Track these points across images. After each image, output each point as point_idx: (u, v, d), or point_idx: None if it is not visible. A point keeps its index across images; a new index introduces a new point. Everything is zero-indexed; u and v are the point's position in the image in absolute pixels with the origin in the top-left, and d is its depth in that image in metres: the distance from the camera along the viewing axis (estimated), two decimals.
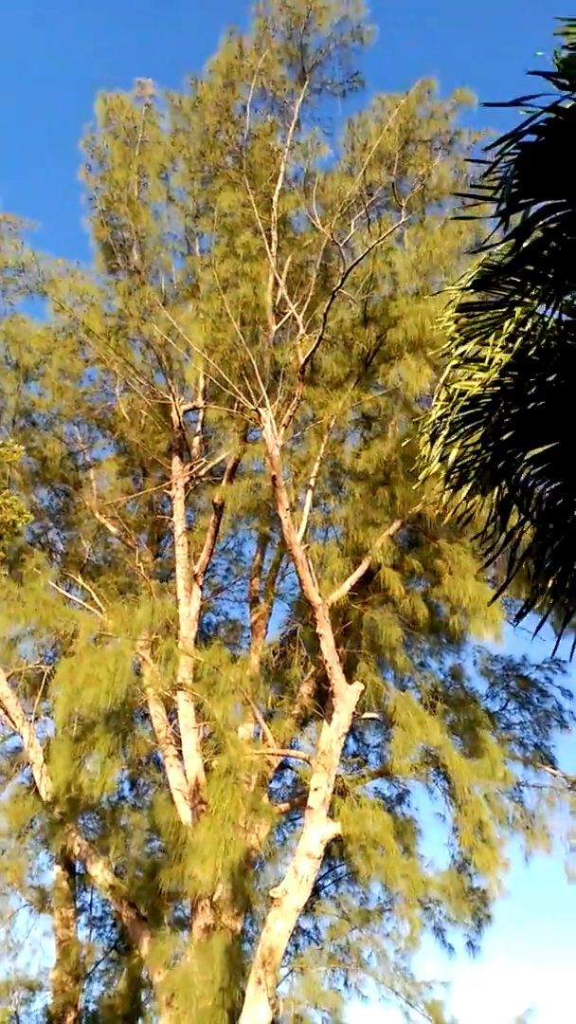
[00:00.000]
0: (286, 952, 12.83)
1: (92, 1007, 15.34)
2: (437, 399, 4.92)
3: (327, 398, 14.64)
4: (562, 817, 15.15)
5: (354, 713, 13.11)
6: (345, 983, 14.03)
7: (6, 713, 16.00)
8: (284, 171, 15.86)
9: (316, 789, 12.94)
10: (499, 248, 4.89)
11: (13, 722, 15.83)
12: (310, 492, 13.81)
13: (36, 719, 15.97)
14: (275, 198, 15.41)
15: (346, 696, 12.89)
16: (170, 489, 16.68)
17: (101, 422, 19.04)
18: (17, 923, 16.15)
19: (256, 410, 13.41)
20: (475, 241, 14.81)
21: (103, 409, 18.64)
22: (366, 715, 13.42)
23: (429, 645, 15.12)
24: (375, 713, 13.64)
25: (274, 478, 12.70)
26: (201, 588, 15.97)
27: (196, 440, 17.70)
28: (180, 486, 16.32)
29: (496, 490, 4.62)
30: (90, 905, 16.74)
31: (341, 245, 14.29)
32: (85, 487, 18.52)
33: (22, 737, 15.69)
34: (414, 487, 12.21)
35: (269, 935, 12.49)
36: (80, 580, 16.99)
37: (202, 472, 17.18)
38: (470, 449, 4.53)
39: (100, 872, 14.51)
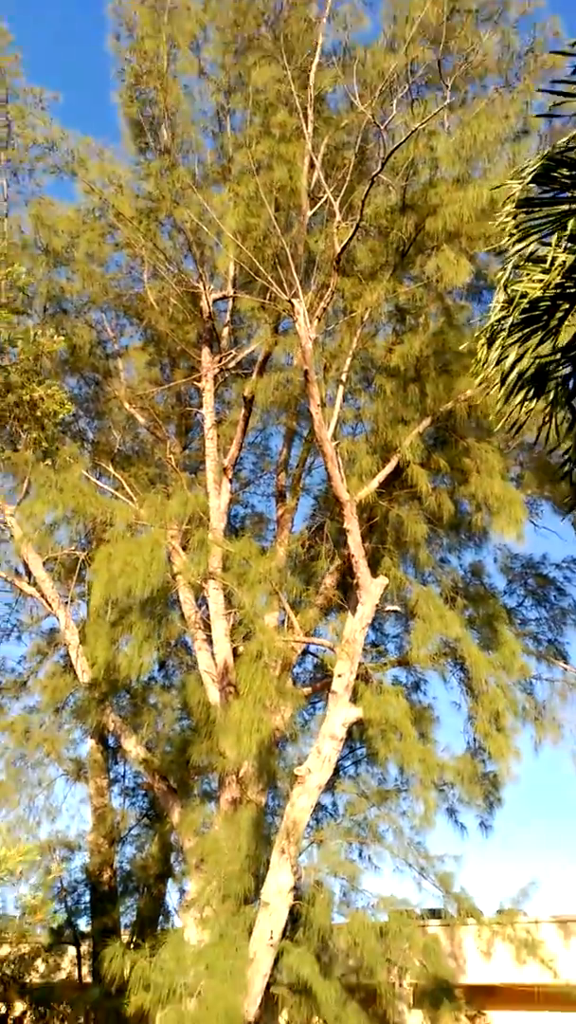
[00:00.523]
0: (308, 826, 13.60)
1: (126, 867, 16.50)
2: (496, 301, 4.83)
3: (361, 289, 14.31)
4: (572, 710, 15.72)
5: (377, 605, 13.47)
6: (361, 855, 14.96)
7: (43, 596, 16.57)
8: (321, 44, 14.98)
9: (340, 675, 13.46)
10: (562, 141, 4.70)
11: (49, 604, 16.42)
12: (341, 387, 13.71)
13: (71, 602, 16.54)
14: (312, 74, 14.64)
15: (371, 589, 13.21)
16: (199, 381, 16.61)
17: (129, 309, 18.78)
18: (55, 791, 17.24)
19: (289, 301, 13.18)
20: (521, 128, 14.12)
21: (131, 296, 18.35)
22: (389, 607, 13.77)
23: (452, 542, 15.33)
24: (397, 606, 14.00)
25: (306, 372, 12.61)
26: (231, 482, 16.13)
27: (226, 331, 17.48)
28: (209, 378, 16.23)
29: (552, 395, 4.61)
30: (123, 776, 17.77)
31: (381, 127, 13.65)
32: (114, 377, 18.48)
33: (58, 619, 16.30)
34: (467, 390, 12.11)
35: (293, 809, 13.27)
36: (111, 469, 17.19)
37: (232, 364, 17.06)
38: (528, 353, 4.48)
39: (133, 747, 15.31)
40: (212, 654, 15.96)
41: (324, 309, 13.74)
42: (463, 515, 14.31)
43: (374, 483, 13.21)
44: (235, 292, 16.95)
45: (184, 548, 15.02)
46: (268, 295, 14.35)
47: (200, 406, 16.85)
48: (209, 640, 16.16)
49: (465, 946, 15.75)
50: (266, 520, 18.92)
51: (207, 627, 16.23)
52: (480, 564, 15.55)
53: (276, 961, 12.80)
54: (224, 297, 17.30)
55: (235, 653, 15.99)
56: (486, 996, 15.64)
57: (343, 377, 14.08)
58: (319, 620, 14.48)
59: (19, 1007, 17.00)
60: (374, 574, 13.35)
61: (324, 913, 13.53)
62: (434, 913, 17.29)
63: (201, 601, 16.43)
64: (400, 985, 13.81)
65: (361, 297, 14.21)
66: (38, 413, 9.82)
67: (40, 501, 13.34)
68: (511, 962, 14.51)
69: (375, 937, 12.47)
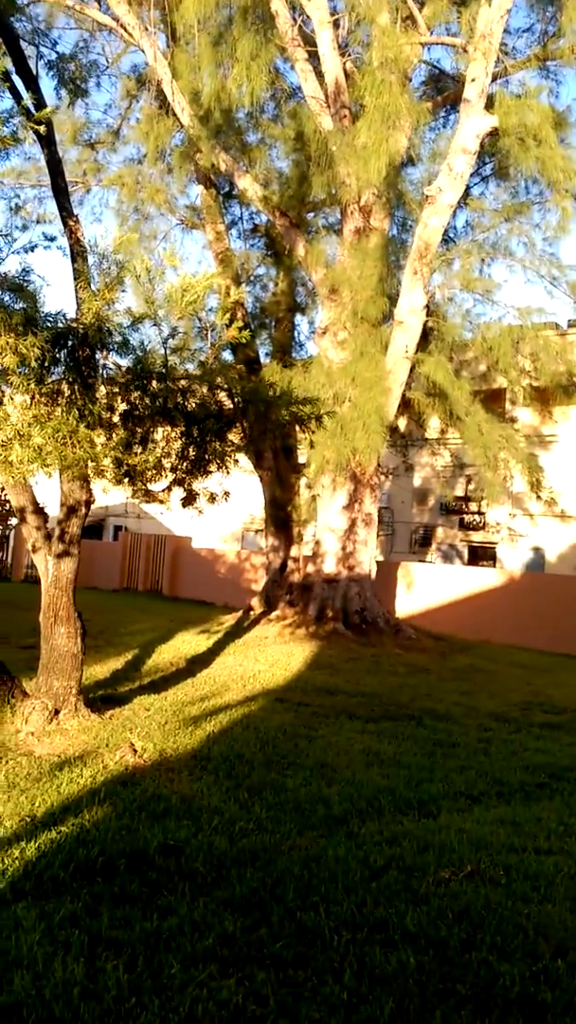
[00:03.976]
0: (439, 246, 13.56)
1: (256, 307, 17.30)
2: None
3: None
4: None
5: None
6: (492, 275, 15.09)
7: (119, 24, 14.60)
8: None
9: (473, 80, 12.06)
10: None
11: (130, 34, 14.54)
12: None
13: (154, 27, 14.58)
14: None
15: None
16: None
17: None
18: (173, 241, 17.39)
19: None
20: None
21: None
22: None
23: None
24: None
25: None
26: None
27: None
28: None
29: None
30: (240, 219, 17.57)
31: None
32: None
33: (144, 51, 14.54)
34: None
35: (424, 230, 13.13)
36: None
37: None
38: None
39: (249, 185, 14.83)
40: (319, 76, 14.36)
41: None
42: None
43: None
44: None
45: None
46: None
47: None
48: (311, 59, 14.38)
49: None
50: None
51: (308, 43, 14.31)
52: None
53: (411, 371, 14.02)
54: None
55: (346, 73, 14.34)
56: None
57: None
58: (446, 14, 12.44)
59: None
60: None
61: (457, 327, 14.28)
62: (571, 324, 18.02)
63: (297, 13, 14.21)
64: (523, 385, 15.04)
65: None
66: None
67: None
68: None
69: (509, 342, 13.21)
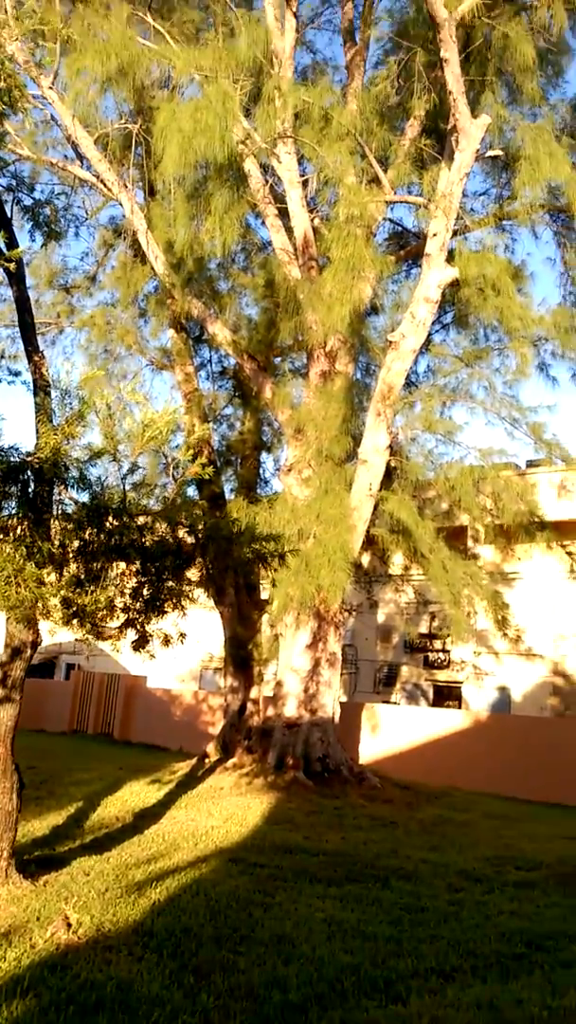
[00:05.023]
0: (401, 389, 13.91)
1: (222, 445, 17.50)
2: None
3: None
4: None
5: (477, 151, 12.21)
6: (452, 417, 15.51)
7: (100, 180, 15.38)
8: None
9: (434, 235, 12.73)
10: None
11: (109, 189, 15.29)
12: None
13: (131, 184, 15.37)
14: None
15: (470, 131, 11.86)
16: None
17: None
18: (143, 381, 17.73)
19: None
20: None
21: None
22: (490, 152, 12.48)
23: (556, 71, 13.36)
24: (498, 150, 12.69)
25: None
26: (296, 16, 13.83)
27: None
28: None
29: None
30: (209, 361, 18.02)
31: None
32: None
33: (121, 204, 15.27)
34: None
35: (388, 374, 13.50)
36: (149, 19, 14.77)
37: None
38: None
39: (219, 330, 15.29)
40: (288, 230, 15.13)
41: None
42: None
43: None
44: None
45: (247, 114, 13.39)
46: None
47: None
48: (282, 215, 15.20)
49: (549, 490, 16.96)
50: (333, 68, 16.61)
51: (278, 201, 15.16)
52: None
53: (375, 509, 14.06)
54: None
55: (314, 227, 15.12)
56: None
57: None
58: (408, 176, 13.28)
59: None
60: (471, 116, 11.89)
61: (420, 467, 14.46)
62: (530, 463, 18.45)
63: (267, 174, 15.13)
64: (485, 523, 15.15)
65: None
66: None
67: (89, 52, 11.59)
68: None
69: (471, 482, 13.37)
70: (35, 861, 6.53)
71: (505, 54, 11.75)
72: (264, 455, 17.76)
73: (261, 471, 17.59)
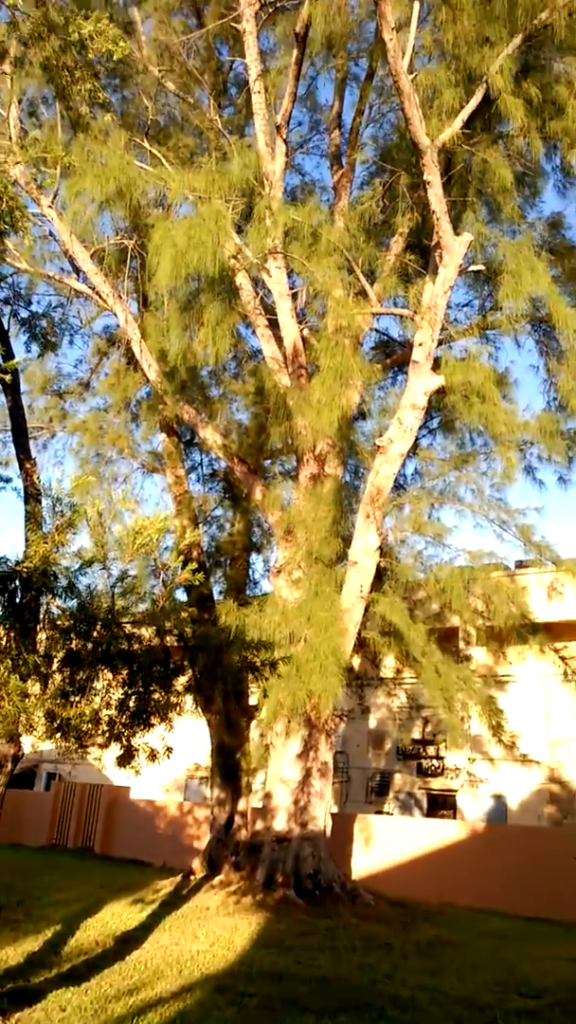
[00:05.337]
0: (390, 491, 14.04)
1: (212, 547, 17.52)
2: None
3: None
4: None
5: (460, 266, 12.71)
6: (440, 519, 15.61)
7: (96, 292, 15.90)
8: None
9: (420, 344, 13.11)
10: None
11: (104, 300, 15.79)
12: (416, 4, 11.78)
13: (125, 296, 15.89)
14: None
15: (453, 248, 12.39)
16: (238, 23, 14.44)
17: None
18: (134, 484, 17.89)
19: None
20: None
21: None
22: (472, 267, 13.00)
23: (533, 191, 14.08)
24: (480, 265, 13.23)
25: None
26: (285, 142, 14.62)
27: None
28: (251, 17, 14.06)
29: None
30: (200, 464, 18.22)
31: None
32: (131, 35, 16.13)
33: (116, 315, 15.75)
34: None
35: (376, 477, 13.65)
36: (146, 145, 15.62)
37: None
38: None
39: (210, 435, 15.51)
40: (278, 340, 15.57)
41: None
42: (556, 159, 12.95)
43: (458, 122, 11.78)
44: None
45: (239, 230, 14.01)
46: None
47: (237, 58, 14.81)
48: (272, 326, 15.67)
49: (539, 591, 16.94)
50: (321, 189, 17.47)
51: (268, 312, 15.66)
52: (561, 217, 14.40)
53: (366, 611, 13.96)
54: None
55: (303, 337, 15.58)
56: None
57: None
58: (394, 289, 13.78)
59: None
60: (454, 233, 12.44)
61: (410, 568, 14.44)
62: (519, 564, 18.46)
63: (257, 287, 15.70)
64: (476, 625, 15.04)
65: None
66: (89, 55, 8.55)
67: (87, 176, 12.16)
68: None
69: (461, 584, 13.33)
70: (7, 995, 6.11)
71: (485, 177, 12.39)
72: (254, 556, 17.78)
73: (251, 572, 17.55)
